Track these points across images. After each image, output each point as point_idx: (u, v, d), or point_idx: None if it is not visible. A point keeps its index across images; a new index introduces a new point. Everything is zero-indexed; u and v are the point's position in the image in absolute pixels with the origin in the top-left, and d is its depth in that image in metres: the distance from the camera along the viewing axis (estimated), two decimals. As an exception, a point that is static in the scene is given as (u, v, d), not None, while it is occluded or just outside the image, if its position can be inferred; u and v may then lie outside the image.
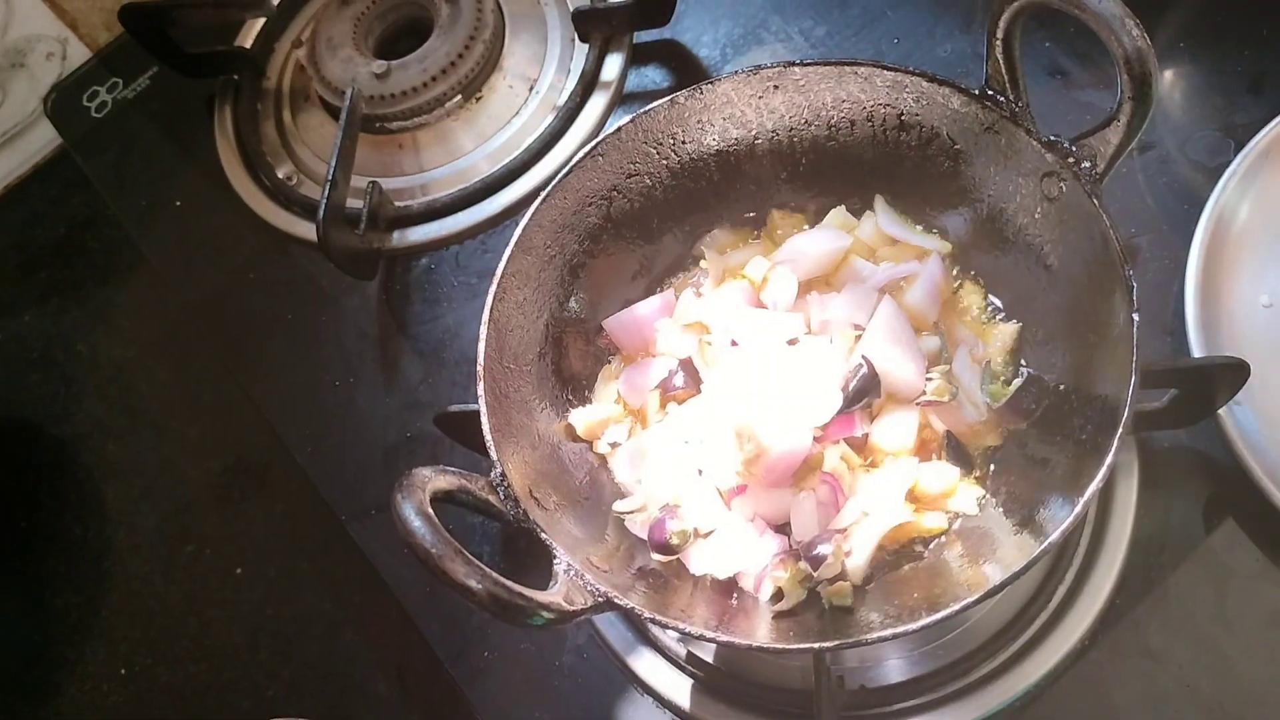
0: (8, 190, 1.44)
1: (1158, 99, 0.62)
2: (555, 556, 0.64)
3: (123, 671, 1.08)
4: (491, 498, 0.66)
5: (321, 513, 1.00)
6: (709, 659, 0.82)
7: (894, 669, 0.79)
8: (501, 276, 0.74)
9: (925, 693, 0.77)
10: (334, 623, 1.03)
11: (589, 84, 1.11)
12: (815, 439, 0.72)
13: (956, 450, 0.72)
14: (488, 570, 0.57)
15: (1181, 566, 0.78)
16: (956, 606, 0.59)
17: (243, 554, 1.09)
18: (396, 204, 1.09)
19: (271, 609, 1.06)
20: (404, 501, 0.58)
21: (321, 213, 0.97)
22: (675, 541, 0.70)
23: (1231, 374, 0.72)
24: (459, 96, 1.11)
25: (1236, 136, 0.93)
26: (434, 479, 0.61)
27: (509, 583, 0.57)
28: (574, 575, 0.63)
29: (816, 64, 0.76)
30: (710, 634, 0.62)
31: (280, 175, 1.15)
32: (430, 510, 0.58)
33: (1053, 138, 0.68)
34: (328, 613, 1.04)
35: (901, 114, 0.76)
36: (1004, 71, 0.69)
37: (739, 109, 0.79)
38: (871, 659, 0.79)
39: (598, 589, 0.62)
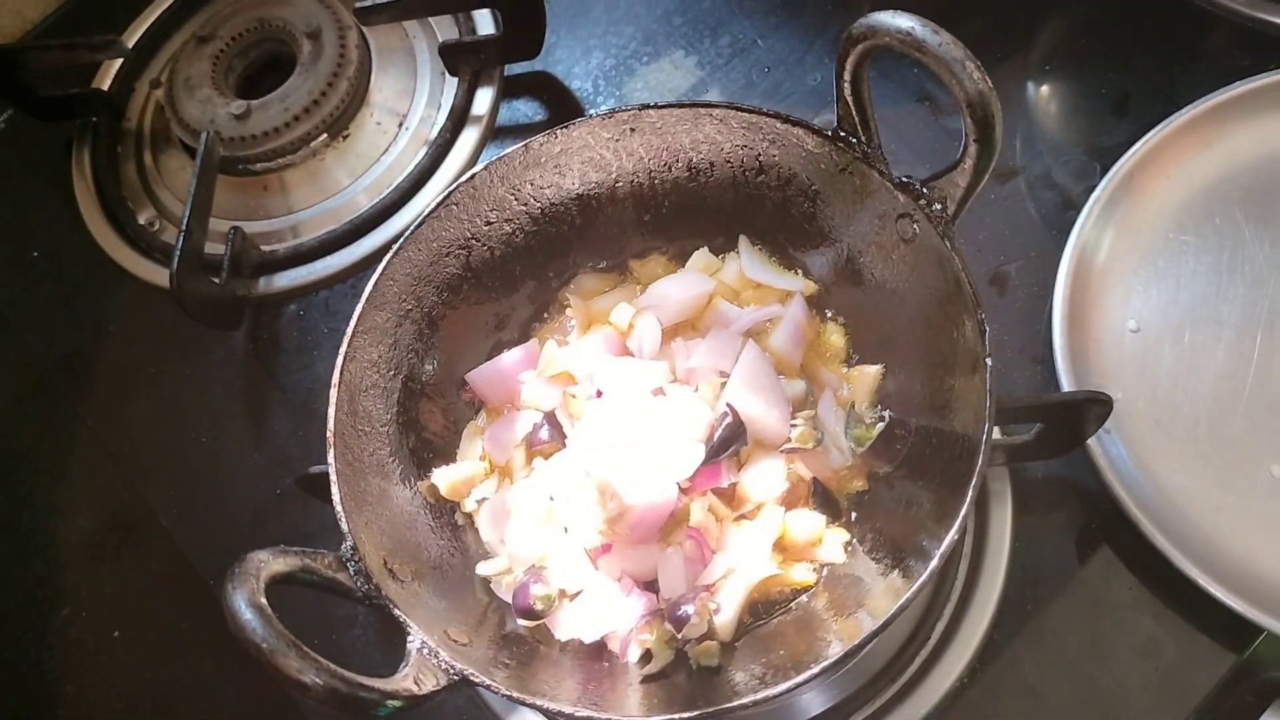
0: None
1: (1001, 140, 0.62)
2: (409, 634, 0.61)
3: (-1, 750, 1.02)
4: (340, 574, 0.63)
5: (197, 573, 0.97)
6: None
7: (780, 714, 0.78)
8: (352, 335, 0.71)
9: (810, 737, 0.77)
10: (214, 683, 0.98)
11: (460, 118, 1.09)
12: (683, 491, 0.70)
13: (823, 497, 0.71)
14: (324, 663, 0.54)
15: (1056, 599, 0.79)
16: (818, 668, 0.58)
17: (119, 616, 1.04)
18: (263, 248, 1.06)
19: (150, 672, 1.01)
20: (235, 592, 0.55)
21: (175, 263, 0.93)
22: (539, 607, 0.68)
23: (1096, 408, 0.72)
24: (325, 135, 1.07)
25: (1102, 159, 0.93)
26: (270, 563, 0.58)
27: (348, 675, 0.54)
28: (427, 654, 0.60)
29: (671, 106, 0.75)
30: (573, 712, 0.60)
31: (141, 221, 1.11)
32: (263, 600, 0.55)
33: (904, 179, 0.68)
34: (208, 673, 0.99)
35: (759, 155, 0.75)
36: (854, 112, 0.68)
37: (597, 152, 0.77)
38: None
39: (453, 667, 0.60)
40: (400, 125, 1.10)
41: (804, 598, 0.70)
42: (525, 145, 0.76)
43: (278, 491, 0.96)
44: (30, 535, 1.12)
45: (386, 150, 1.09)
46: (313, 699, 0.53)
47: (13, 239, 1.18)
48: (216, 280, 0.99)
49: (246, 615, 0.54)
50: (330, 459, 0.67)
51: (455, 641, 0.64)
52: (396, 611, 0.62)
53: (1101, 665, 0.76)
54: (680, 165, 0.78)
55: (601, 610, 0.69)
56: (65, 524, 1.11)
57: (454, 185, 0.75)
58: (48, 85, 1.16)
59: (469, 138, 1.09)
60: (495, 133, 1.10)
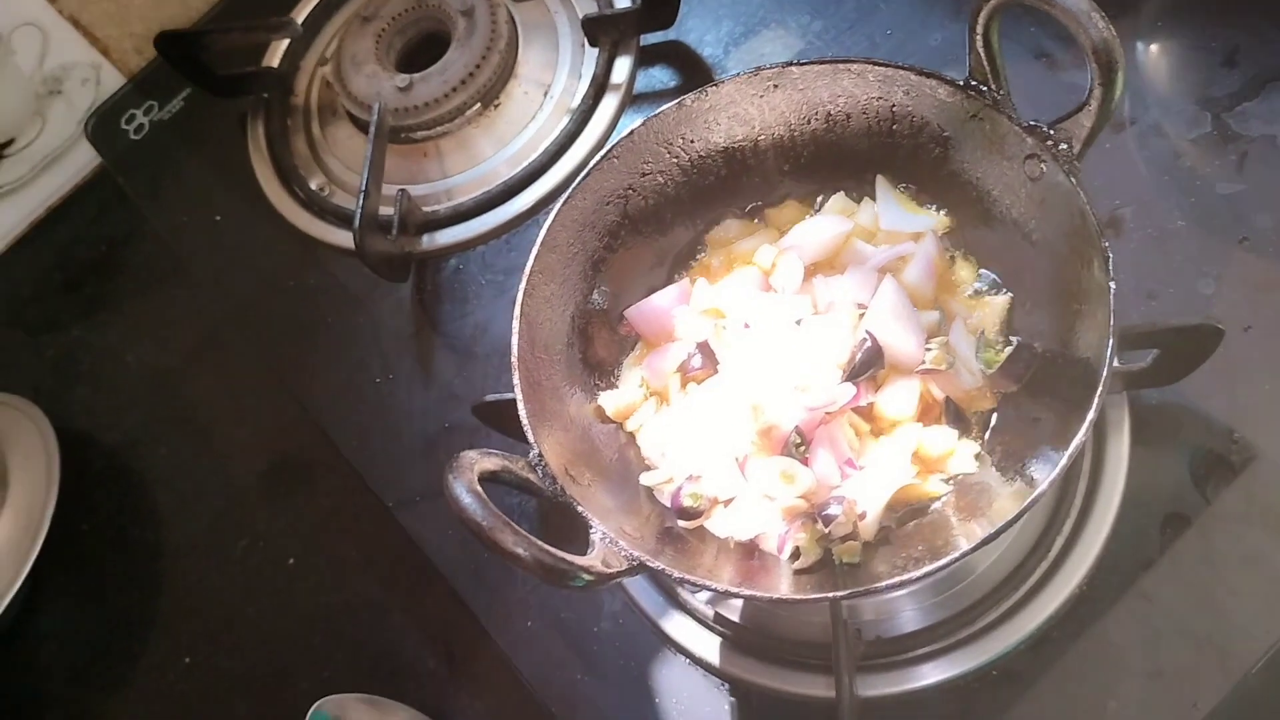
0: (49, 212, 1.50)
1: (1125, 84, 0.68)
2: (591, 526, 0.70)
3: (186, 661, 1.13)
4: (531, 476, 0.72)
5: (367, 503, 1.07)
6: (735, 618, 0.88)
7: (907, 620, 0.85)
8: (530, 274, 0.80)
9: (936, 640, 0.83)
10: (383, 607, 1.08)
11: (600, 87, 1.17)
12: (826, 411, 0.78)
13: (955, 414, 0.78)
14: (533, 539, 0.63)
15: (1170, 513, 0.84)
16: (955, 554, 0.65)
17: (293, 546, 1.14)
18: (424, 209, 1.16)
19: (323, 596, 1.11)
20: (455, 481, 0.65)
21: (358, 221, 1.04)
22: (690, 504, 0.77)
23: (1209, 336, 0.78)
24: (478, 105, 1.17)
25: (1213, 109, 0.98)
26: (480, 460, 0.68)
27: (553, 549, 0.63)
28: (609, 542, 0.69)
29: (813, 63, 0.82)
30: (734, 589, 0.69)
31: (313, 186, 1.22)
32: (479, 488, 0.64)
33: (1032, 123, 0.74)
34: (376, 597, 1.09)
35: (893, 106, 0.81)
36: (985, 63, 0.75)
37: (742, 108, 0.85)
38: (886, 612, 0.86)
39: (631, 554, 0.68)
40: (545, 94, 1.19)
41: (938, 504, 0.77)
42: (679, 103, 0.84)
43: (446, 424, 1.05)
44: (208, 475, 1.22)
45: (533, 118, 1.18)
46: (524, 568, 0.63)
47: (194, 202, 1.30)
48: (389, 237, 1.10)
49: (467, 499, 0.63)
50: (515, 380, 0.76)
51: (628, 534, 0.72)
52: (579, 506, 0.71)
53: (1213, 573, 0.81)
54: (819, 118, 0.85)
55: (753, 512, 0.77)
56: (243, 464, 1.22)
57: (616, 140, 0.83)
58: (225, 65, 1.27)
59: (608, 105, 1.17)
60: (633, 99, 1.18)
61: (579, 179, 0.82)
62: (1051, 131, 0.73)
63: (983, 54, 0.74)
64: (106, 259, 1.44)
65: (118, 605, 1.19)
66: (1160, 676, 0.80)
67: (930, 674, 0.83)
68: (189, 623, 1.16)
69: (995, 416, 0.79)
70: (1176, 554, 0.83)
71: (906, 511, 0.76)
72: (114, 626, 1.18)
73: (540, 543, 0.63)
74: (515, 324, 0.78)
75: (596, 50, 1.19)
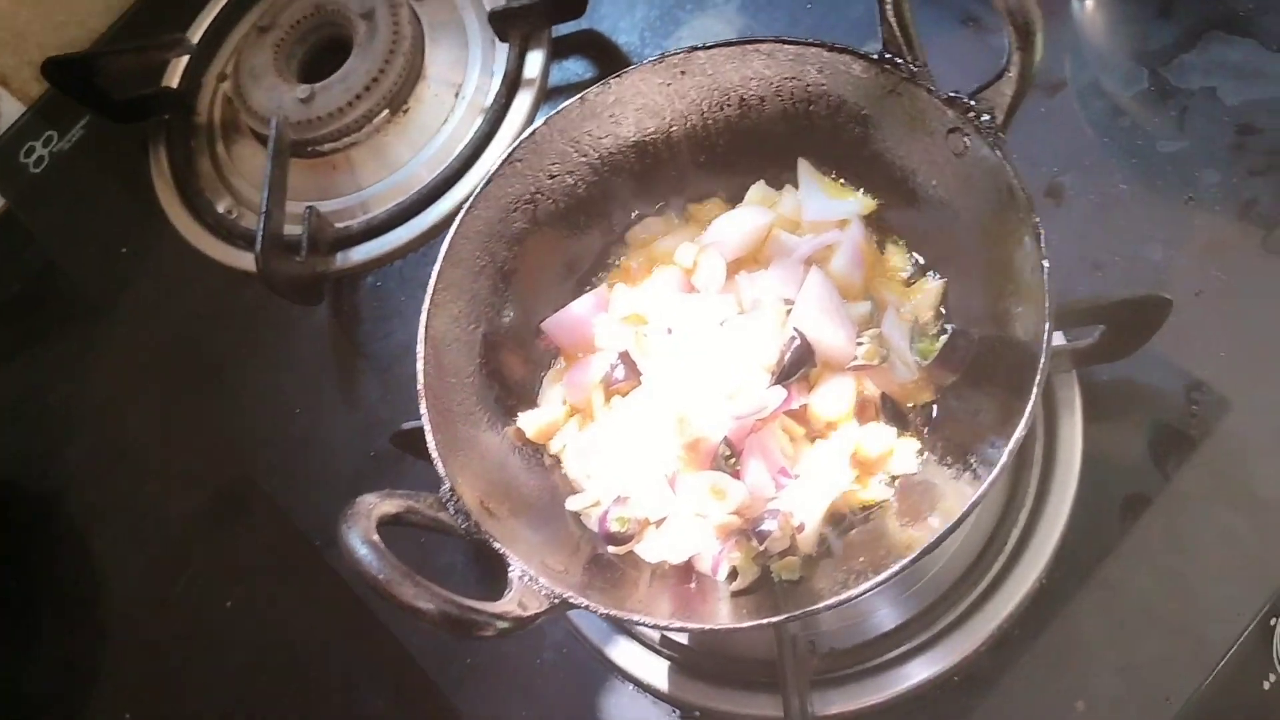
0: (-44, 254, 1.43)
1: (1045, 47, 0.63)
2: (509, 564, 0.65)
3: (127, 716, 1.08)
4: (442, 514, 0.67)
5: (302, 538, 1.02)
6: (683, 640, 0.84)
7: (862, 629, 0.81)
8: (433, 293, 0.75)
9: (893, 648, 0.79)
10: (324, 647, 1.04)
11: (513, 83, 1.12)
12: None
13: (893, 411, 0.73)
14: (437, 590, 0.58)
15: (1131, 495, 0.80)
16: (898, 565, 0.60)
17: (232, 586, 1.09)
18: (337, 225, 1.10)
19: (263, 637, 1.07)
20: (349, 531, 0.59)
21: (259, 245, 0.98)
22: (617, 529, 0.72)
23: (1156, 307, 0.74)
24: (386, 111, 1.11)
25: (1149, 64, 0.94)
26: (379, 505, 0.63)
27: (459, 599, 0.58)
28: (528, 581, 0.64)
29: (720, 45, 0.77)
30: (665, 623, 0.64)
31: (220, 210, 1.16)
32: (376, 537, 0.59)
33: (952, 94, 0.69)
34: (319, 637, 1.04)
35: (808, 86, 0.76)
36: (898, 34, 0.70)
37: (650, 98, 0.80)
38: (839, 621, 0.81)
39: (552, 592, 0.63)
40: (457, 95, 1.13)
41: (880, 509, 0.72)
42: (581, 98, 0.78)
43: (371, 454, 1.00)
44: (144, 514, 1.18)
45: (446, 120, 1.13)
46: (428, 622, 0.58)
47: (102, 237, 1.25)
48: (298, 259, 1.04)
49: (362, 551, 0.58)
50: (423, 409, 0.71)
51: (552, 569, 0.67)
52: (496, 544, 0.66)
53: (1179, 555, 0.77)
54: (731, 103, 0.80)
55: (685, 533, 0.72)
56: (177, 501, 1.17)
57: (516, 143, 0.78)
58: (121, 89, 1.22)
59: (523, 101, 1.12)
60: (548, 94, 1.13)
61: (479, 187, 0.77)
62: (973, 102, 0.68)
63: (894, 24, 0.69)
64: (23, 298, 1.37)
65: (57, 658, 1.14)
66: (1130, 669, 0.76)
67: (890, 684, 0.79)
68: (131, 673, 1.10)
69: (935, 409, 0.74)
70: (1139, 537, 0.79)
71: (847, 521, 0.72)
72: (55, 680, 1.13)
73: (446, 593, 0.58)
74: (419, 348, 0.73)
75: (507, 46, 1.13)
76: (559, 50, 1.14)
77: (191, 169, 1.20)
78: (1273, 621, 0.77)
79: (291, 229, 1.07)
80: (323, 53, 1.17)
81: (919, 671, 0.79)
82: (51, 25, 1.38)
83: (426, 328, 0.74)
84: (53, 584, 1.18)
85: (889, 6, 0.69)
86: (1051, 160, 0.92)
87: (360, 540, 0.59)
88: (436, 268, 0.76)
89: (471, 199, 0.77)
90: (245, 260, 1.13)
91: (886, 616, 0.81)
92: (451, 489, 0.68)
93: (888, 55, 0.72)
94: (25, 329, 1.34)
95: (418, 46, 1.13)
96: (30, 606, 1.17)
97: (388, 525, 0.62)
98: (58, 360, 1.30)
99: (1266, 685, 0.78)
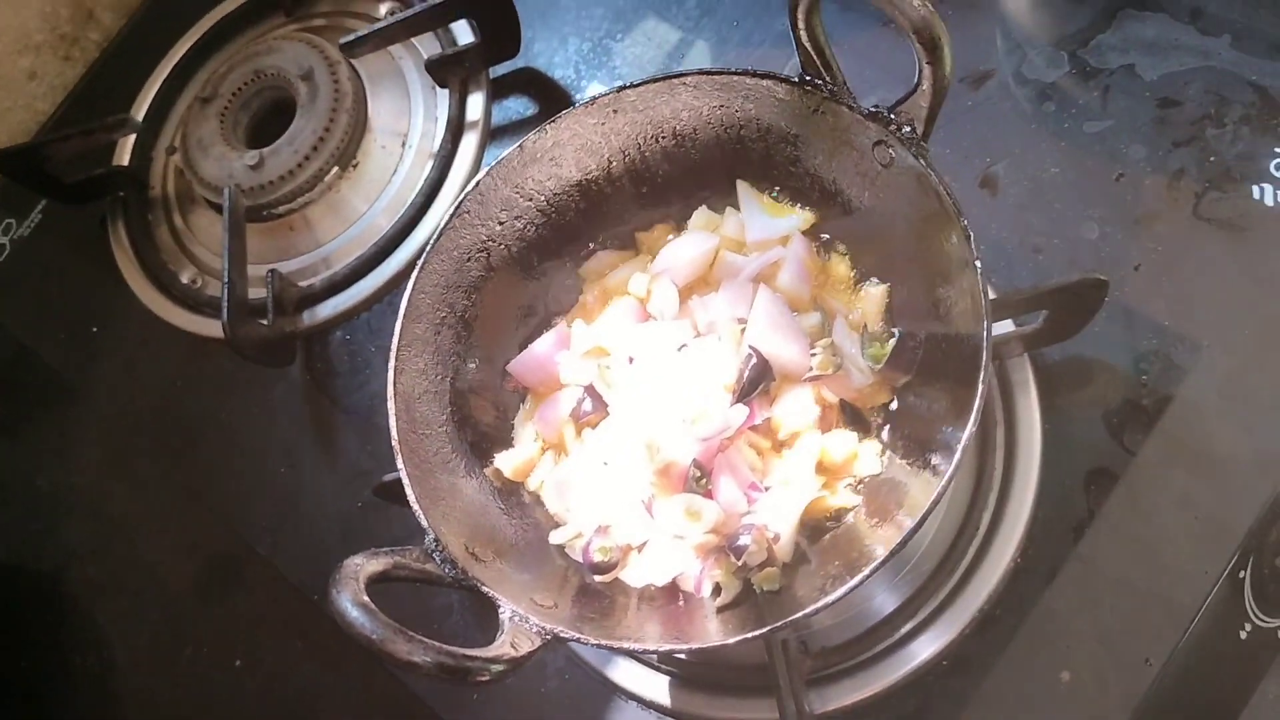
0: (-71, 346, 1.44)
1: (952, 57, 0.66)
2: (499, 606, 0.67)
3: (147, 787, 1.10)
4: (428, 565, 0.69)
5: (300, 593, 1.04)
6: (681, 654, 0.86)
7: (850, 624, 0.84)
8: (397, 350, 0.77)
9: (881, 640, 0.82)
10: (336, 694, 1.05)
11: (457, 127, 1.14)
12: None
13: (853, 415, 0.76)
14: (430, 642, 0.60)
15: (1092, 469, 0.83)
16: (873, 565, 0.63)
17: (238, 646, 1.11)
18: (300, 284, 1.12)
19: (275, 692, 1.08)
20: (339, 595, 0.61)
21: (225, 315, 1.00)
22: (600, 558, 0.74)
23: (1093, 289, 0.77)
24: (336, 168, 1.13)
25: (1068, 47, 0.96)
26: (366, 565, 0.64)
27: (453, 649, 0.60)
28: (518, 621, 0.66)
29: (647, 82, 0.79)
30: (656, 648, 0.66)
31: (184, 280, 1.18)
32: (366, 598, 0.61)
33: (872, 109, 0.72)
34: (327, 685, 1.06)
35: (736, 112, 0.79)
36: (814, 56, 0.72)
37: (587, 138, 0.82)
38: (828, 620, 0.84)
39: (543, 629, 0.66)
40: (403, 144, 1.15)
41: (850, 514, 0.75)
42: (520, 145, 0.81)
43: (359, 505, 1.02)
44: (142, 588, 1.19)
45: (395, 170, 1.14)
46: (425, 675, 0.60)
47: (70, 318, 1.26)
48: (264, 322, 1.06)
49: (354, 614, 0.60)
50: (400, 465, 0.73)
51: (542, 606, 0.69)
52: (484, 588, 0.68)
53: (1145, 523, 0.80)
54: (666, 135, 0.82)
55: (666, 555, 0.74)
56: (172, 573, 1.18)
57: (462, 195, 0.80)
58: (73, 172, 1.22)
59: (469, 143, 1.14)
60: (493, 134, 1.15)
61: (431, 242, 0.79)
62: (893, 115, 0.70)
63: (809, 48, 0.72)
64: (-2, 385, 1.39)
65: (72, 733, 1.15)
66: (1109, 637, 0.79)
67: (882, 675, 0.82)
68: (147, 740, 1.12)
69: (893, 410, 0.77)
70: (1106, 510, 0.82)
71: (820, 527, 0.74)
72: (71, 762, 1.14)
73: (439, 645, 0.60)
74: (390, 404, 0.75)
75: (447, 91, 1.15)
76: (499, 90, 1.16)
77: (151, 242, 1.21)
78: (1241, 574, 0.80)
79: (256, 293, 1.08)
80: (267, 117, 1.18)
81: (909, 659, 0.81)
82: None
83: (395, 385, 0.76)
84: (61, 660, 1.18)
85: (802, 32, 0.71)
86: (983, 151, 0.95)
87: (350, 603, 0.61)
88: (398, 325, 0.77)
89: (425, 255, 0.79)
90: (214, 328, 1.14)
91: (872, 609, 0.83)
92: (436, 539, 0.70)
93: (807, 77, 0.74)
94: (6, 415, 1.35)
95: (360, 101, 1.15)
96: (41, 684, 1.18)
97: (378, 583, 0.65)
98: (40, 442, 1.32)
99: (1243, 634, 0.81)
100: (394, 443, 0.74)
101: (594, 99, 0.80)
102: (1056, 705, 0.78)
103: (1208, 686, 0.79)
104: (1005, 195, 0.92)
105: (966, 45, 0.97)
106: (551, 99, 1.14)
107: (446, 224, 0.80)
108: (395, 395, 0.75)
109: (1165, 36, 0.94)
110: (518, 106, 1.16)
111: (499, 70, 1.16)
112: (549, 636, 0.66)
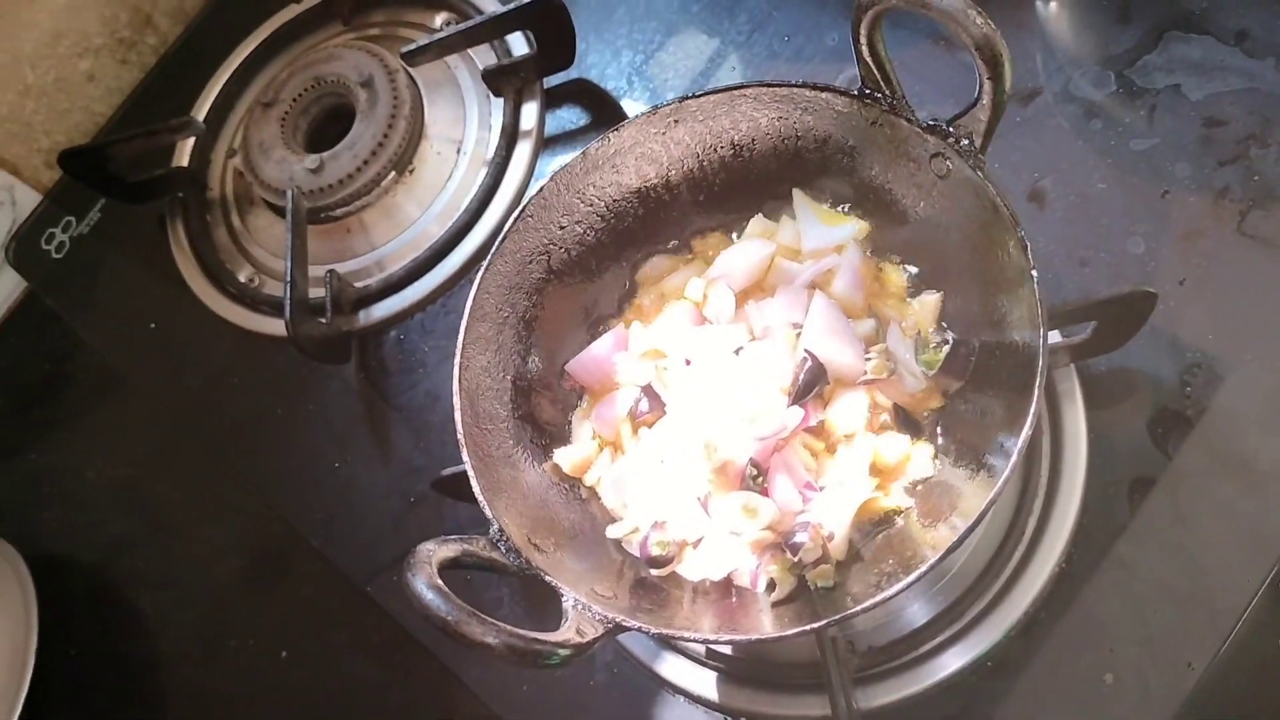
0: (-14, 339, 1.47)
1: (1012, 74, 0.68)
2: (562, 595, 0.70)
3: (196, 775, 1.12)
4: (494, 554, 0.71)
5: (349, 585, 1.06)
6: (728, 651, 0.88)
7: (897, 625, 0.85)
8: (462, 346, 0.79)
9: (927, 641, 0.84)
10: (381, 686, 1.07)
11: (511, 136, 1.17)
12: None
13: (906, 419, 0.78)
14: (502, 625, 0.62)
15: (1136, 477, 0.84)
16: (926, 565, 0.65)
17: (283, 638, 1.13)
18: (357, 285, 1.15)
19: (321, 684, 1.10)
20: (415, 578, 0.64)
21: (288, 313, 1.03)
22: (658, 552, 0.76)
23: (1142, 301, 0.79)
24: (393, 173, 1.16)
25: (1115, 67, 0.99)
26: (438, 550, 0.67)
27: (523, 632, 0.63)
28: (581, 609, 0.68)
29: (708, 94, 0.81)
30: (714, 637, 0.68)
31: (242, 279, 1.21)
32: (440, 581, 0.63)
33: (931, 122, 0.74)
34: (373, 678, 1.08)
35: (794, 124, 0.81)
36: (874, 70, 0.75)
37: (647, 147, 0.84)
38: (876, 620, 0.86)
39: (605, 617, 0.68)
40: (459, 151, 1.18)
41: (904, 513, 0.77)
42: (583, 153, 0.83)
43: (411, 500, 1.05)
44: (189, 580, 1.21)
45: (450, 177, 1.17)
46: (496, 656, 0.62)
47: (128, 314, 1.29)
48: (323, 320, 1.09)
49: (429, 595, 0.62)
50: (465, 457, 0.75)
51: (602, 595, 0.72)
52: (548, 577, 0.70)
53: (1186, 530, 0.82)
54: (724, 145, 0.85)
55: (722, 551, 0.76)
56: (220, 564, 1.21)
57: (527, 200, 0.83)
58: (134, 172, 1.26)
59: (523, 152, 1.17)
60: (546, 143, 1.18)
61: (496, 244, 0.82)
62: (951, 129, 0.73)
63: (870, 62, 0.74)
64: (51, 378, 1.41)
65: (120, 724, 1.17)
66: (1151, 642, 0.80)
67: (927, 675, 0.84)
68: (196, 730, 1.14)
69: (946, 414, 0.79)
70: (1148, 516, 0.84)
71: (873, 527, 0.76)
72: (120, 750, 1.16)
73: (510, 628, 0.62)
74: (456, 400, 0.78)
75: (502, 100, 1.18)
76: (552, 100, 1.19)
77: (209, 242, 1.25)
78: (1282, 584, 0.82)
79: (314, 292, 1.11)
80: (326, 122, 1.21)
81: (954, 660, 0.83)
82: (57, 113, 1.43)
83: (460, 381, 0.78)
84: (109, 651, 1.21)
85: (864, 47, 0.73)
86: (1032, 166, 0.97)
87: (425, 585, 0.63)
88: (464, 323, 0.80)
89: (489, 257, 0.82)
90: (270, 325, 1.17)
91: (918, 612, 0.85)
92: (500, 529, 0.72)
93: (867, 90, 0.76)
94: (58, 408, 1.38)
95: (417, 108, 1.18)
96: (89, 674, 1.21)
97: (447, 569, 0.67)
98: (93, 435, 1.34)
99: (1283, 642, 0.82)
100: (459, 436, 0.76)
101: (656, 109, 0.82)
102: (1099, 707, 0.79)
103: (1249, 692, 0.81)
104: (1053, 209, 0.94)
105: (1014, 63, 0.99)
106: (604, 109, 1.17)
107: (511, 227, 0.82)
108: (460, 391, 0.78)
109: (1211, 58, 0.96)
110: (570, 116, 1.18)
111: (552, 81, 1.19)
112: (611, 625, 0.68)
